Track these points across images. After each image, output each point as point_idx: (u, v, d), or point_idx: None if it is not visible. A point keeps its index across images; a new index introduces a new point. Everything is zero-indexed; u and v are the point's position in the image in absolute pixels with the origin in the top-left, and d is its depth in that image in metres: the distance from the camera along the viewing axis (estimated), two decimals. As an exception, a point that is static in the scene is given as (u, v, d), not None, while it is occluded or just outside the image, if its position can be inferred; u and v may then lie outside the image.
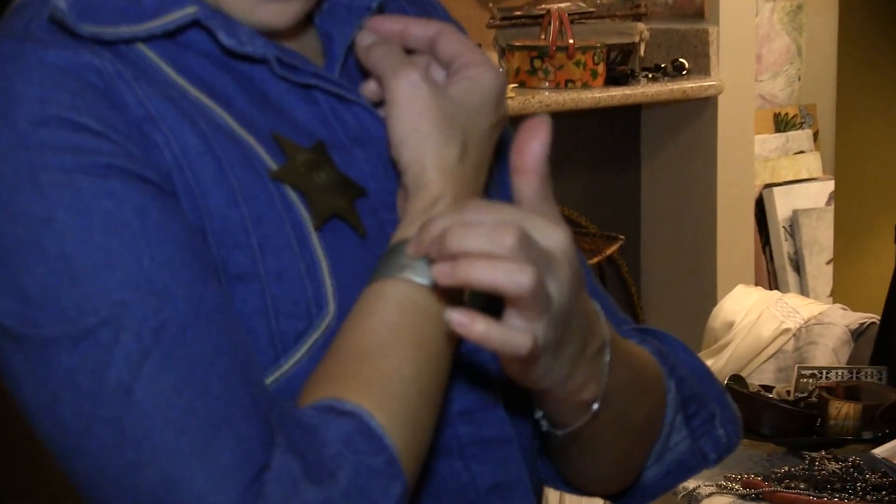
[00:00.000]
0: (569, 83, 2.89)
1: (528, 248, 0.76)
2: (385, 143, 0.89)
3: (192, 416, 0.76)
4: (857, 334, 2.26)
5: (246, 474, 0.76)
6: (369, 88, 0.91)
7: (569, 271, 0.79)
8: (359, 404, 0.79)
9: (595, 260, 2.89)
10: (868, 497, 1.72)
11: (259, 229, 0.84)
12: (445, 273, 0.76)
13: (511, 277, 0.75)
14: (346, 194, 0.87)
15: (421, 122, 0.85)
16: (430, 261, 0.79)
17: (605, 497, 1.04)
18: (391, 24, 0.92)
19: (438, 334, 0.83)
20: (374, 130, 0.91)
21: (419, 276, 0.82)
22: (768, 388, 2.05)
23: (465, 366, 0.89)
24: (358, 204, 0.88)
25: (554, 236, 0.79)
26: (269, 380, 0.83)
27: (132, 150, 0.80)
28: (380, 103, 0.91)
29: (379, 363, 0.81)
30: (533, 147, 0.82)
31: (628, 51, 3.03)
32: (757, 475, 1.80)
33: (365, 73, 0.93)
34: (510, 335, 0.76)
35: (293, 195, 0.85)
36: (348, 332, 0.82)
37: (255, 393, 0.79)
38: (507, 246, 0.76)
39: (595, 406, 0.89)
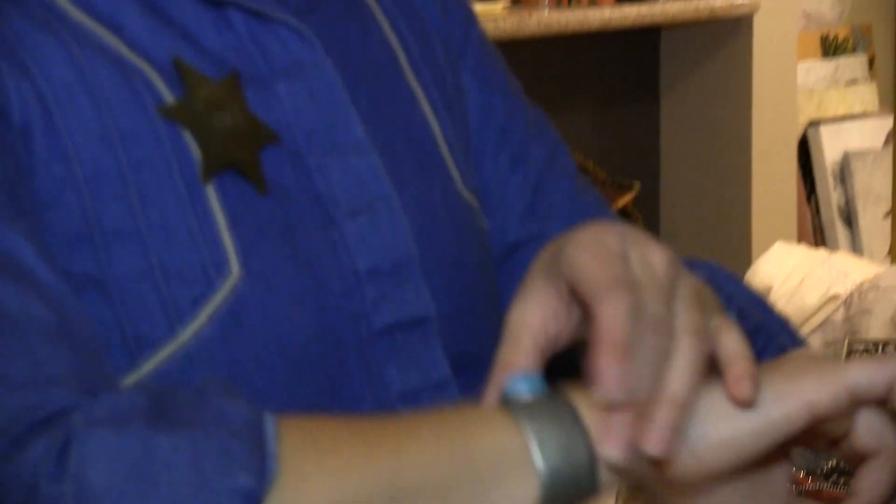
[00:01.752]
0: (573, 0, 2.86)
1: None
2: (318, 71, 0.90)
3: None
4: (921, 301, 2.28)
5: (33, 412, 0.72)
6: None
7: None
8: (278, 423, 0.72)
9: (605, 213, 2.88)
10: (933, 496, 1.70)
11: (139, 177, 0.84)
12: None
13: None
14: (251, 142, 0.88)
15: None
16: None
17: None
18: None
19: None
20: (304, 56, 0.91)
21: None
22: (813, 365, 2.03)
23: (407, 337, 0.89)
24: (270, 151, 0.88)
25: None
26: (165, 352, 0.84)
27: None
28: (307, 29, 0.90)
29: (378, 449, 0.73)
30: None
31: (645, -40, 3.03)
32: (800, 470, 1.78)
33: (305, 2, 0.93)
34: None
35: (189, 135, 0.86)
36: (388, 425, 0.74)
37: (63, 328, 0.77)
38: None
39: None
